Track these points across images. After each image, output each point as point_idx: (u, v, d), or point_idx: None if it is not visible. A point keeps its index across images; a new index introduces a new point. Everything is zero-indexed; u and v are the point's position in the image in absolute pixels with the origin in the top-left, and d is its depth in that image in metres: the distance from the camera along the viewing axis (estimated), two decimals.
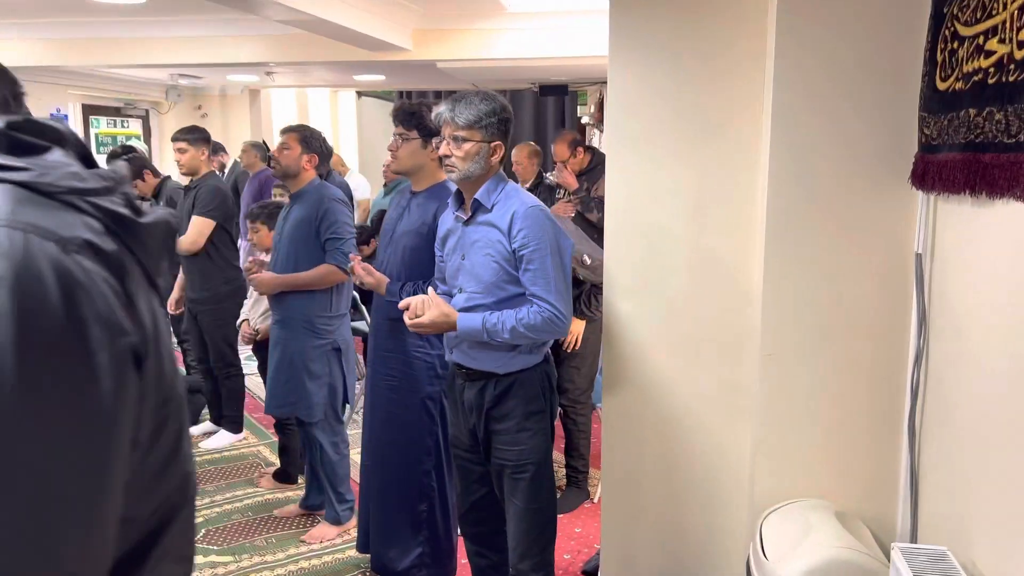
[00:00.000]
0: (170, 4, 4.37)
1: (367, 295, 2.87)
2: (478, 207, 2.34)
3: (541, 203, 2.32)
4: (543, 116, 10.02)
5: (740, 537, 2.54)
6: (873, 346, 2.26)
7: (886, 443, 2.27)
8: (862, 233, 2.24)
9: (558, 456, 4.15)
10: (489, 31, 4.49)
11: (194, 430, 4.81)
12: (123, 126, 7.72)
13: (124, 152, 5.78)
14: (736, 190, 2.49)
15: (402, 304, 2.34)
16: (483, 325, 2.25)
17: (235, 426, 4.68)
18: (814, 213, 2.29)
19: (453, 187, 2.46)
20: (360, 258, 2.85)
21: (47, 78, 6.39)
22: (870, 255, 2.24)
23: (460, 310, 2.33)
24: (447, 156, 2.30)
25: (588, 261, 3.52)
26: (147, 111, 7.99)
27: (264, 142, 8.62)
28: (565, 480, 3.93)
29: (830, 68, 2.20)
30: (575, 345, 3.68)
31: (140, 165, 5.51)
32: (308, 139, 3.40)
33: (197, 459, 4.40)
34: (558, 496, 3.85)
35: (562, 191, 5.39)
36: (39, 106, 6.44)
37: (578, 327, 3.68)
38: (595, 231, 5.12)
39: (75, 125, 7.17)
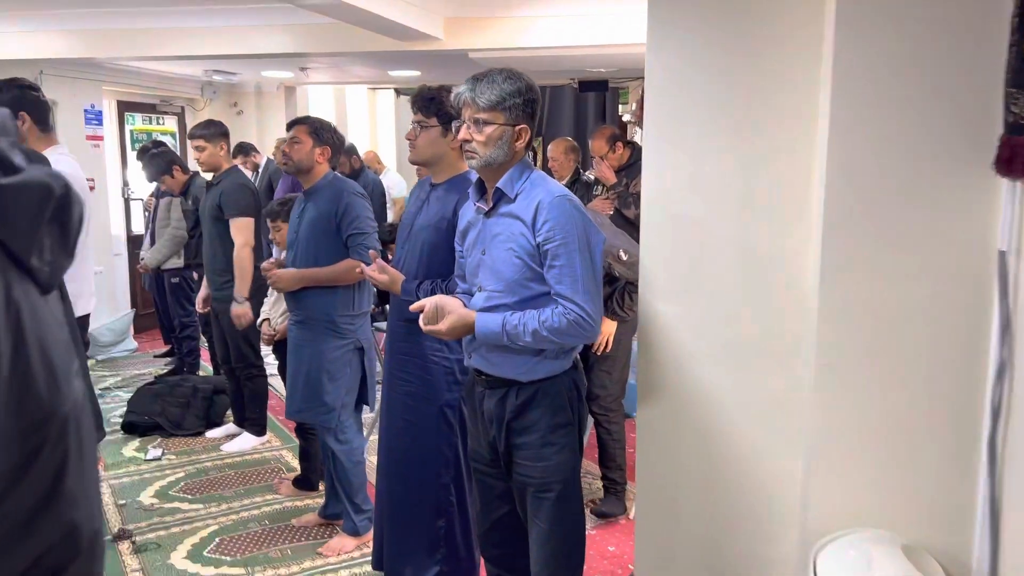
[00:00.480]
0: None
1: (386, 293, 2.67)
2: (500, 197, 2.12)
3: (570, 192, 2.09)
4: (583, 113, 9.77)
5: (791, 569, 2.27)
6: (947, 357, 1.99)
7: (962, 467, 1.99)
8: (935, 228, 1.97)
9: (593, 467, 3.92)
10: (524, 18, 4.27)
11: (216, 432, 4.67)
12: (158, 123, 7.67)
13: (154, 147, 5.69)
14: (788, 179, 2.24)
15: (415, 306, 2.13)
16: (503, 327, 2.03)
17: (258, 428, 4.53)
18: (879, 205, 2.03)
19: (475, 177, 2.24)
20: (378, 255, 2.65)
21: (82, 74, 6.35)
22: (945, 253, 1.97)
23: (480, 310, 2.11)
24: (467, 141, 2.09)
25: (625, 257, 3.28)
26: (182, 108, 7.93)
27: None
28: (603, 492, 3.69)
29: (898, 40, 1.94)
30: (606, 347, 3.44)
31: (169, 160, 5.41)
32: (319, 130, 3.22)
33: (218, 462, 4.26)
34: (596, 504, 3.63)
35: (600, 187, 5.15)
36: (74, 102, 6.41)
37: (609, 328, 3.43)
38: (633, 228, 4.86)
39: (110, 122, 7.13)
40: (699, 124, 2.30)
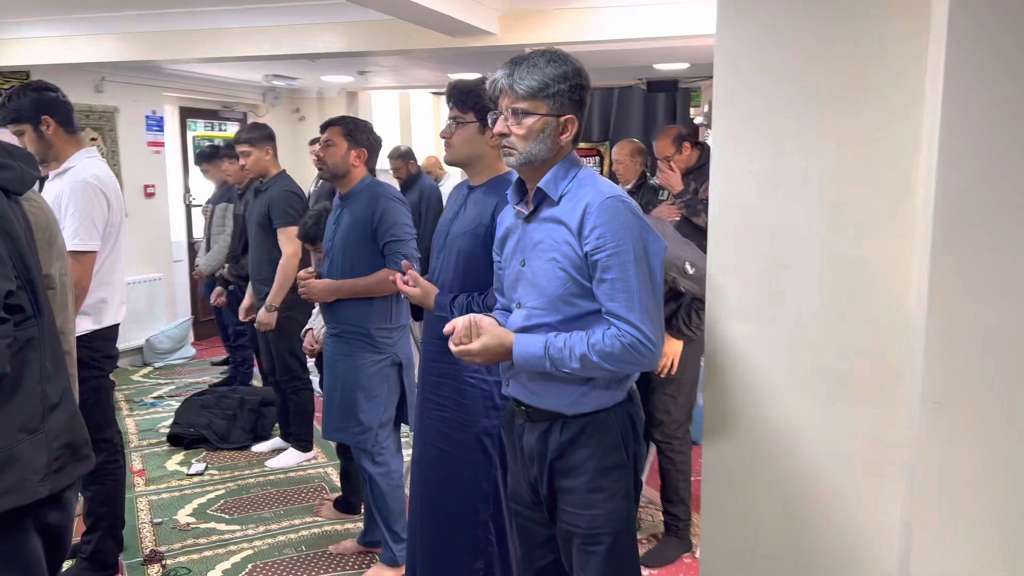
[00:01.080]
0: None
1: (420, 308, 2.41)
2: (542, 199, 1.83)
3: (623, 193, 1.78)
4: (652, 116, 9.38)
5: None
6: None
7: None
8: None
9: (653, 494, 3.58)
10: (585, 10, 3.97)
11: (262, 446, 4.50)
12: (220, 129, 7.65)
13: (211, 152, 5.61)
14: (886, 178, 1.88)
15: (447, 328, 1.85)
16: (545, 351, 1.74)
17: (303, 444, 4.34)
18: (1000, 209, 1.67)
19: (516, 177, 1.95)
20: (411, 264, 2.39)
21: (143, 80, 6.34)
22: None
23: (518, 331, 1.82)
24: (504, 134, 1.80)
25: (691, 270, 2.94)
26: (244, 114, 7.89)
27: None
28: (663, 527, 3.35)
29: None
30: (671, 369, 3.10)
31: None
32: (353, 132, 2.99)
33: (261, 479, 4.08)
34: (654, 546, 3.30)
35: (666, 192, 4.80)
36: (135, 108, 6.40)
37: (675, 348, 3.10)
38: (703, 238, 4.48)
39: (172, 128, 7.13)
40: (777, 114, 1.97)
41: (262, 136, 4.09)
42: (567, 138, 1.81)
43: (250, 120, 7.93)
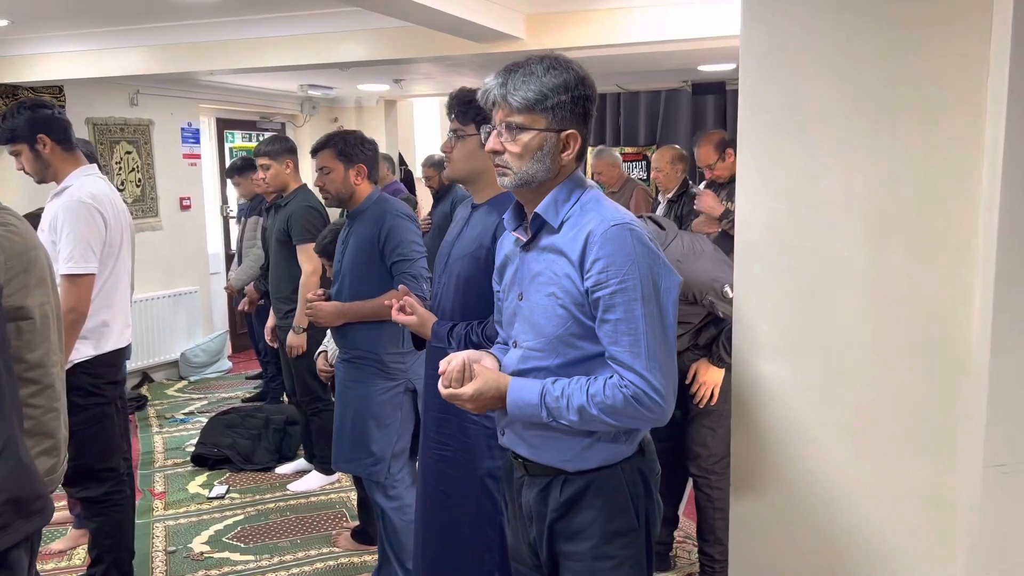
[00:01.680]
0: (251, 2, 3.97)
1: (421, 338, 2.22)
2: (541, 225, 1.62)
3: (632, 219, 1.56)
4: (700, 119, 9.06)
5: None
6: None
7: None
8: None
9: (692, 528, 3.33)
10: (619, 10, 3.73)
11: (286, 468, 4.37)
12: (258, 140, 7.60)
13: (242, 164, 5.53)
14: (942, 194, 1.63)
15: (441, 367, 1.66)
16: (541, 399, 1.53)
17: (326, 467, 4.18)
18: None
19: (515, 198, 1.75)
20: (408, 289, 2.20)
21: (178, 92, 6.31)
22: None
23: (514, 373, 1.62)
24: (497, 152, 1.60)
25: (730, 294, 2.69)
26: (283, 124, 7.85)
27: (400, 154, 8.31)
28: (698, 570, 3.10)
29: None
30: (710, 399, 2.86)
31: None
32: (345, 151, 2.82)
33: (281, 503, 3.95)
34: None
35: None
36: (170, 121, 6.38)
37: (714, 377, 2.85)
38: None
39: (209, 139, 7.11)
40: (813, 123, 1.72)
41: (282, 149, 3.96)
42: (569, 156, 1.60)
43: (288, 131, 7.89)
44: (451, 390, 1.61)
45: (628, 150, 9.48)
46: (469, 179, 2.11)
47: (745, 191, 1.85)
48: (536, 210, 1.60)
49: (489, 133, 1.62)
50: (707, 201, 4.18)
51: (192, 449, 4.57)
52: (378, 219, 2.76)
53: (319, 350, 3.51)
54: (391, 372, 2.82)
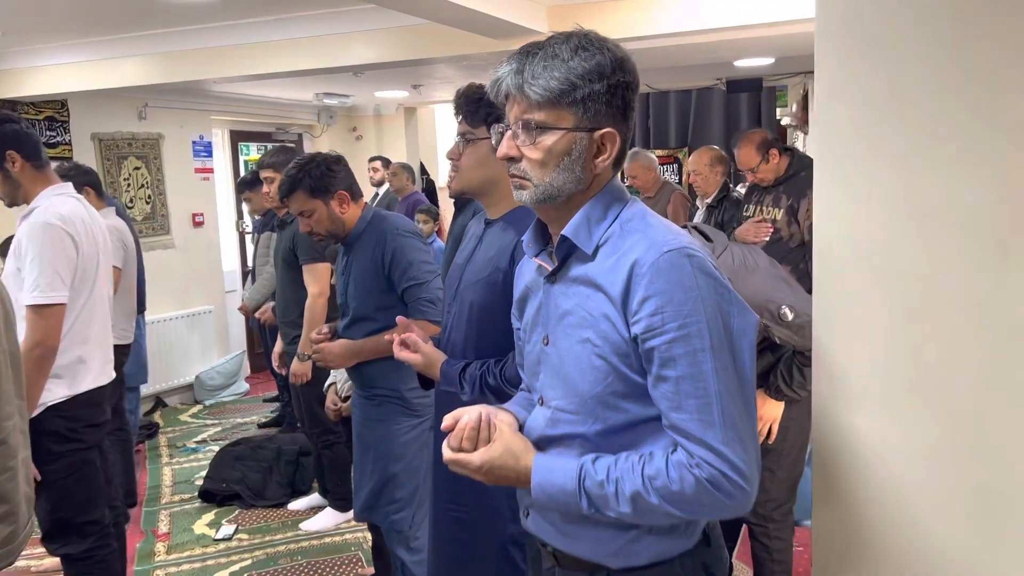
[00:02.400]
0: (249, 2, 3.67)
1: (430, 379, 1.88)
2: (571, 251, 1.27)
3: (688, 241, 1.20)
4: (734, 118, 8.65)
5: None
6: None
7: None
8: None
9: (744, 572, 2.96)
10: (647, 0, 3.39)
11: (299, 504, 4.06)
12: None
13: (252, 179, 5.25)
14: None
15: (445, 423, 1.32)
16: (579, 485, 1.18)
17: (341, 503, 3.86)
18: None
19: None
20: (409, 322, 1.87)
21: (189, 104, 6.05)
22: None
23: (539, 439, 1.27)
24: (513, 159, 1.25)
25: (790, 316, 2.32)
26: (300, 135, 7.58)
27: (422, 163, 8.00)
28: None
29: None
30: (767, 437, 2.48)
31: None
32: (318, 186, 2.48)
33: (293, 545, 3.63)
34: None
35: (752, 207, 4.15)
36: (181, 134, 6.12)
37: (773, 411, 2.47)
38: (801, 265, 3.83)
39: (223, 152, 6.85)
40: (909, 116, 1.35)
41: (288, 161, 3.64)
42: (606, 162, 1.25)
43: (305, 142, 7.62)
44: (458, 455, 1.26)
45: (659, 152, 9.09)
46: (481, 191, 1.77)
47: (824, 202, 1.48)
48: (563, 232, 1.25)
49: (502, 134, 1.27)
50: (752, 231, 3.84)
51: (201, 483, 4.28)
52: (378, 241, 2.43)
53: (328, 382, 3.18)
54: (415, 408, 2.50)
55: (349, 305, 2.57)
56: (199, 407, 6.00)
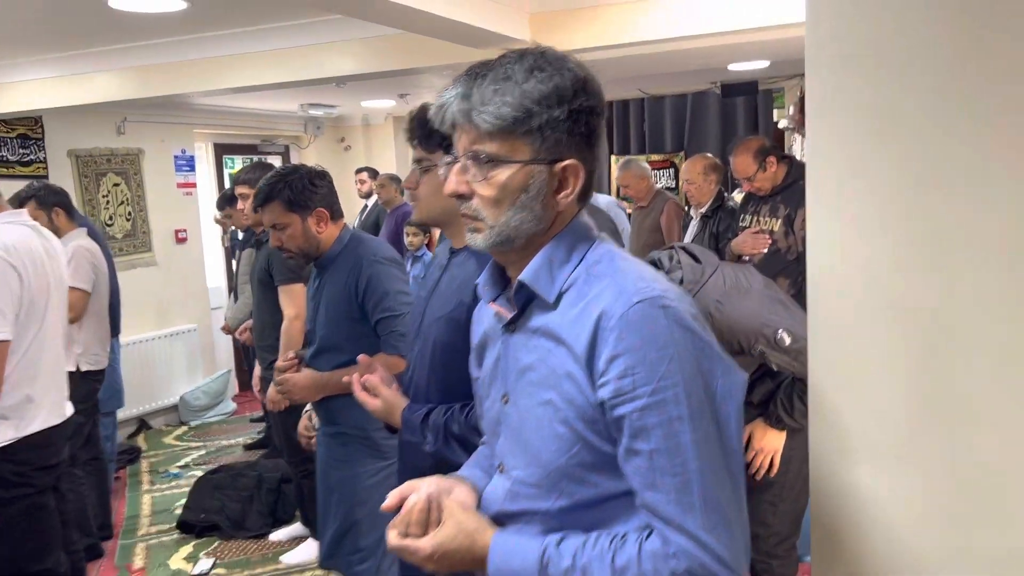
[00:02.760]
0: (218, 13, 3.52)
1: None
2: (531, 298, 1.11)
3: (664, 288, 1.04)
4: (731, 123, 8.51)
5: None
6: None
7: None
8: None
9: None
10: (634, 4, 3.23)
11: (280, 534, 3.89)
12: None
13: (230, 196, 5.10)
14: None
15: (388, 502, 1.16)
16: (542, 569, 1.02)
17: None
18: None
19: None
20: (371, 361, 1.72)
21: (170, 118, 5.90)
22: None
23: (498, 514, 1.11)
24: (463, 196, 1.10)
25: (787, 341, 2.16)
26: (286, 147, 7.42)
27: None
28: None
29: None
30: (769, 469, 2.33)
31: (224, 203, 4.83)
32: (297, 199, 2.32)
33: None
34: None
35: (748, 217, 3.99)
36: (163, 148, 5.97)
37: (774, 442, 2.32)
38: (800, 279, 3.67)
39: (207, 165, 6.70)
40: (918, 129, 1.20)
41: (263, 177, 3.50)
42: (568, 197, 1.09)
43: (292, 154, 7.47)
44: (405, 541, 1.10)
45: (655, 158, 8.95)
46: (444, 220, 1.62)
47: (817, 224, 1.33)
48: (521, 277, 1.09)
49: (449, 168, 1.12)
50: (749, 243, 3.68)
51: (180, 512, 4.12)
52: (354, 266, 2.26)
53: (307, 407, 3.02)
54: (383, 450, 2.34)
55: (317, 333, 2.42)
56: (184, 428, 5.83)
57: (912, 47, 1.19)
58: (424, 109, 1.56)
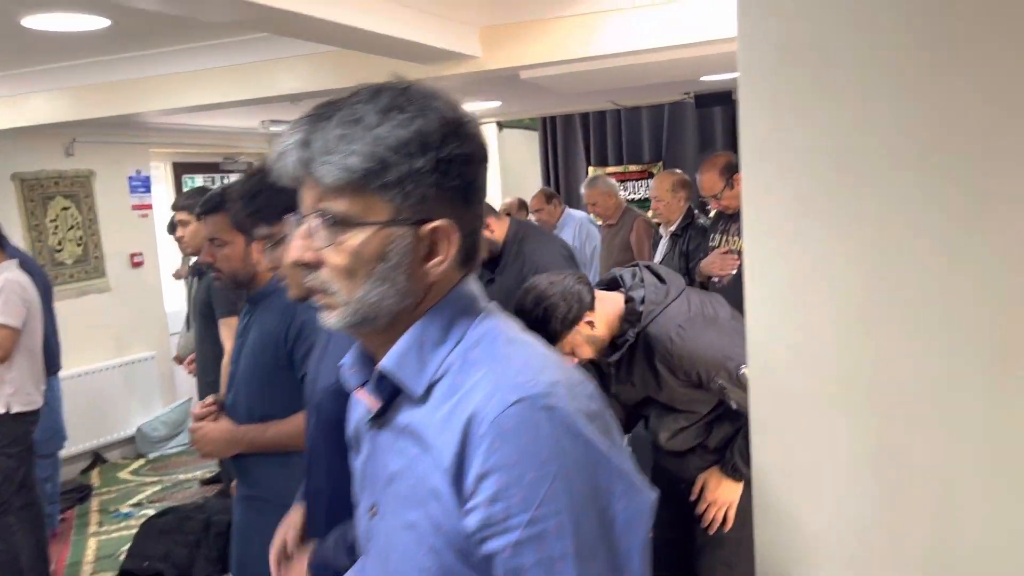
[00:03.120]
0: (145, 32, 3.30)
1: None
2: (395, 394, 0.91)
3: (556, 379, 0.83)
4: (708, 133, 8.35)
5: None
6: None
7: None
8: None
9: None
10: (592, 15, 3.02)
11: None
12: (224, 182, 6.96)
13: (175, 227, 4.88)
14: None
15: None
16: None
17: None
18: None
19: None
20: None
21: (124, 137, 5.67)
22: None
23: None
24: (308, 265, 0.89)
25: (747, 376, 1.96)
26: (249, 164, 7.20)
27: None
28: None
29: None
30: (723, 522, 2.13)
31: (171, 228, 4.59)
32: (242, 217, 2.08)
33: None
34: None
35: (719, 237, 3.80)
36: (114, 170, 5.73)
37: (728, 494, 2.12)
38: None
39: (167, 186, 6.47)
40: (843, 147, 1.01)
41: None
42: (441, 264, 0.89)
43: None
44: None
45: (632, 168, 8.80)
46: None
47: (757, 284, 1.14)
48: (382, 365, 0.89)
49: (296, 226, 0.91)
50: (717, 264, 3.50)
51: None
52: (287, 308, 1.99)
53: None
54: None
55: (238, 377, 2.19)
56: (141, 462, 5.59)
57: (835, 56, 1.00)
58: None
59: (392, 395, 0.91)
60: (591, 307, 2.02)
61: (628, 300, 2.09)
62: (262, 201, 1.33)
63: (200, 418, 2.16)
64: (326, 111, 0.87)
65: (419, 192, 0.85)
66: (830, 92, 1.05)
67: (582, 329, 2.01)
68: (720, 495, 2.11)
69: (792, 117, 1.09)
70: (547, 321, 1.97)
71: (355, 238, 0.86)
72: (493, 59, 3.17)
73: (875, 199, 1.06)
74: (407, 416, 0.89)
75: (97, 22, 3.01)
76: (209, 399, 2.24)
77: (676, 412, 2.16)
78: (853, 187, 1.07)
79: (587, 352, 2.06)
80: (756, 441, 1.20)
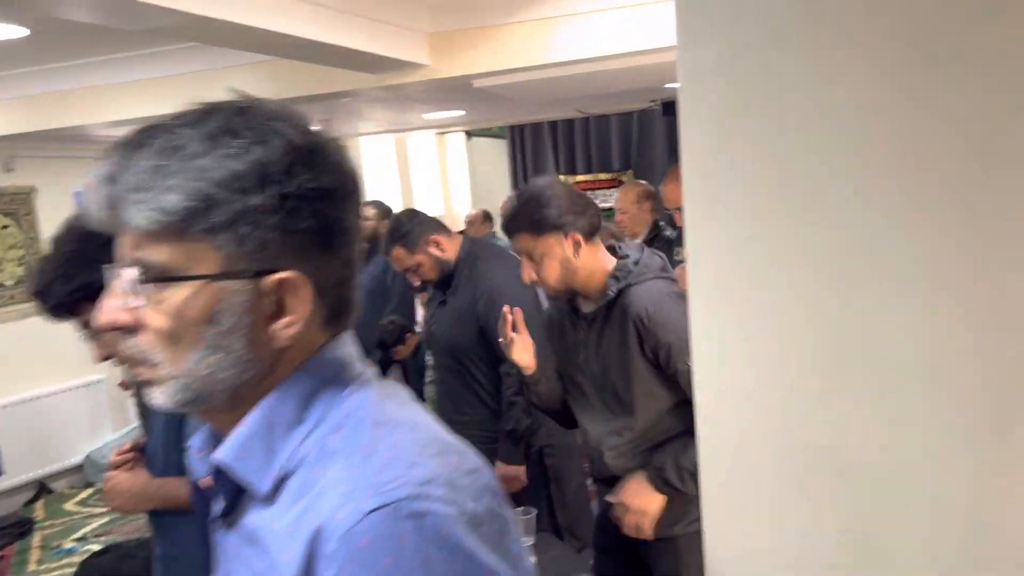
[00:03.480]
0: (67, 41, 3.10)
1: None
2: (238, 491, 0.72)
3: (431, 478, 0.66)
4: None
5: None
6: None
7: None
8: None
9: None
10: (545, 21, 2.87)
11: None
12: None
13: None
14: None
15: None
16: None
17: None
18: None
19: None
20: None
21: (69, 151, 5.42)
22: None
23: None
24: (126, 329, 0.71)
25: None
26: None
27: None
28: None
29: None
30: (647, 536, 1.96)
31: None
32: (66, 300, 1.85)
33: None
34: None
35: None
36: (58, 187, 5.44)
37: (646, 504, 1.92)
38: None
39: None
40: (794, 173, 0.86)
41: None
42: (291, 327, 0.70)
43: None
44: None
45: (602, 176, 8.68)
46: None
47: (699, 276, 1.00)
48: (217, 457, 0.71)
49: (110, 281, 0.73)
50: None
51: None
52: None
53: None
54: None
55: (156, 427, 1.99)
56: (90, 491, 5.32)
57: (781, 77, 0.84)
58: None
59: (237, 491, 0.72)
60: (588, 237, 1.91)
61: (622, 258, 1.97)
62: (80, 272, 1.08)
63: (115, 466, 1.95)
64: (142, 138, 0.69)
65: (258, 236, 0.67)
66: (773, 103, 0.90)
67: (566, 243, 1.88)
68: (636, 503, 1.90)
69: (732, 128, 0.95)
70: (543, 206, 1.88)
71: (177, 295, 0.67)
72: (443, 67, 2.99)
73: (824, 214, 0.92)
74: (254, 518, 0.71)
75: (14, 31, 2.80)
76: (126, 444, 2.03)
77: (620, 419, 1.97)
78: (801, 203, 0.93)
79: (554, 270, 1.90)
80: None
